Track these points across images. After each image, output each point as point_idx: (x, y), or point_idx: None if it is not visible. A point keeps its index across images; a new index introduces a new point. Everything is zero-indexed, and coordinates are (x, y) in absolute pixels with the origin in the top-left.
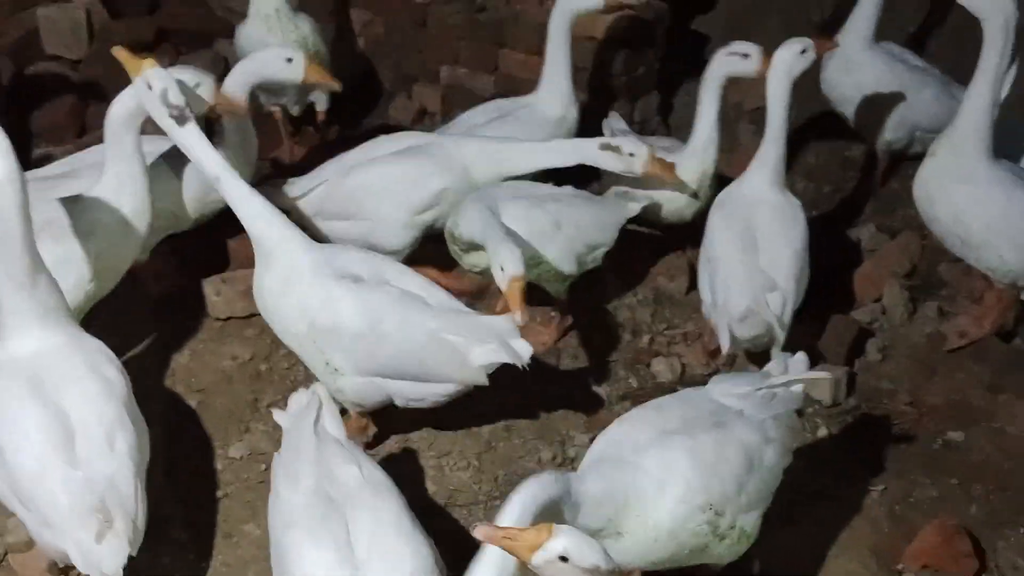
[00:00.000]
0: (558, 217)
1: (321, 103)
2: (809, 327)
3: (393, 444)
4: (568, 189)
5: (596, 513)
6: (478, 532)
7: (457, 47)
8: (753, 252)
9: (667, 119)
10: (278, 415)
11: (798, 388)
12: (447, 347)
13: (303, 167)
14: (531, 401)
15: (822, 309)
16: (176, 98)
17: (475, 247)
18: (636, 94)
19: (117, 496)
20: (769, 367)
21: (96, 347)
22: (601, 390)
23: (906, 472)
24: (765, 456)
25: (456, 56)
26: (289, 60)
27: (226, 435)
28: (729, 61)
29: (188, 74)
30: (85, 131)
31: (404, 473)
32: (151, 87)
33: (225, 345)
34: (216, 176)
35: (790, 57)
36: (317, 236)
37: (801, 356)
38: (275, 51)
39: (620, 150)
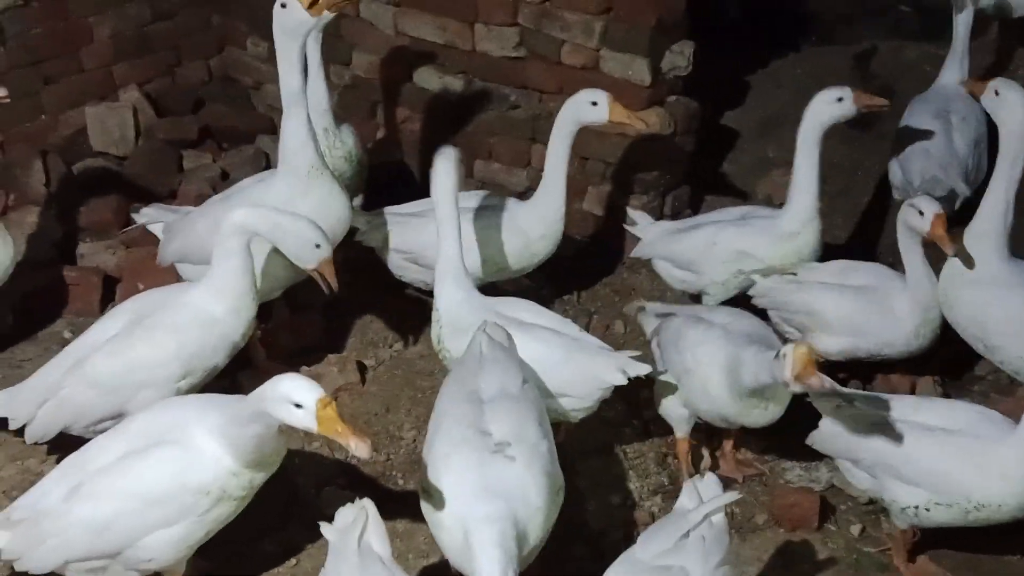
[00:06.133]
0: (736, 354)
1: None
2: None
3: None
4: (736, 311)
5: None
6: None
7: (491, 143)
8: None
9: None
10: (325, 528)
11: (720, 518)
12: None
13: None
14: (564, 497)
15: None
16: None
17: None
18: (667, 188)
19: None
20: (681, 500)
21: None
22: (632, 486)
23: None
24: None
25: (490, 151)
26: None
27: (260, 526)
28: None
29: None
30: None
31: None
32: None
33: None
34: None
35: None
36: None
37: (711, 477)
38: None
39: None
